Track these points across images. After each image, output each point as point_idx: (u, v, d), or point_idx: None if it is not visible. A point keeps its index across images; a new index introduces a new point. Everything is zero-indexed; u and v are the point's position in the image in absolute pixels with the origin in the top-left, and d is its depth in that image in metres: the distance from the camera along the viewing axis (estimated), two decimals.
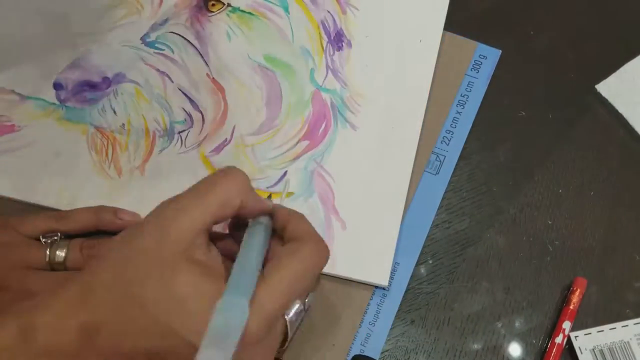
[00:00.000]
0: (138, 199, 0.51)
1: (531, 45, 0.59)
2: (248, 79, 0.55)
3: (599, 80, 0.57)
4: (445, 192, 0.53)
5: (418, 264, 0.51)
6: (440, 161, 0.54)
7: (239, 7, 0.58)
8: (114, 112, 0.54)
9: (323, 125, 0.54)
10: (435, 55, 0.56)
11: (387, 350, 0.48)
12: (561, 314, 0.49)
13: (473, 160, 0.55)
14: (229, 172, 0.40)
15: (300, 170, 0.52)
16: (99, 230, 0.50)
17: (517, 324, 0.49)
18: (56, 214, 0.49)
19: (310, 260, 0.39)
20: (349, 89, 0.55)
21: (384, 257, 0.50)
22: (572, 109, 0.57)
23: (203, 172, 0.52)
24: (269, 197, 0.51)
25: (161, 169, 0.52)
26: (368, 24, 0.58)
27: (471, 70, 0.57)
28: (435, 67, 0.56)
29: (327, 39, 0.57)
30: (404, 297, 0.50)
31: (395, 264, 0.50)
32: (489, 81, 0.57)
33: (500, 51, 0.58)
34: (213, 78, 0.55)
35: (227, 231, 0.45)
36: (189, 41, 0.56)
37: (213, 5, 0.57)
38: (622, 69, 0.57)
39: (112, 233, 0.50)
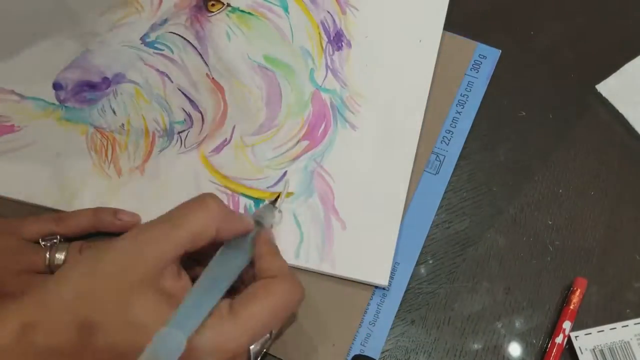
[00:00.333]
0: (138, 199, 0.51)
1: (531, 45, 0.59)
2: (248, 79, 0.55)
3: (599, 80, 0.57)
4: (445, 192, 0.53)
5: (418, 264, 0.51)
6: (440, 161, 0.54)
7: (238, 7, 0.58)
8: (114, 112, 0.54)
9: (323, 125, 0.54)
10: (435, 55, 0.56)
11: (387, 350, 0.48)
12: (561, 314, 0.49)
13: (473, 160, 0.55)
14: (203, 202, 0.40)
15: (300, 170, 0.52)
16: (98, 231, 0.50)
17: (517, 324, 0.49)
18: (55, 216, 0.49)
19: (284, 299, 0.40)
20: (348, 89, 0.55)
21: (384, 257, 0.50)
22: (572, 109, 0.56)
23: (203, 172, 0.52)
24: (276, 198, 0.50)
25: (161, 169, 0.52)
26: (368, 24, 0.58)
27: (471, 70, 0.57)
28: (435, 67, 0.56)
29: (326, 39, 0.57)
30: (404, 297, 0.50)
31: (395, 264, 0.50)
32: (488, 81, 0.57)
33: (500, 51, 0.58)
34: (213, 78, 0.55)
35: None
36: (188, 41, 0.56)
37: (213, 5, 0.57)
38: (622, 68, 0.57)
39: (112, 234, 0.50)
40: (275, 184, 0.52)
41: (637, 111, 0.56)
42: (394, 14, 0.58)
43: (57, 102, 0.54)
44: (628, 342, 0.47)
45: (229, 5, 0.58)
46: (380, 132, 0.54)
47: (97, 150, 0.53)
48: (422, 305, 0.50)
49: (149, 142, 0.53)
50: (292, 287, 0.40)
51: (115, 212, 0.50)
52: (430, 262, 0.51)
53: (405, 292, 0.50)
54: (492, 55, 0.58)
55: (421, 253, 0.51)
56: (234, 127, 0.54)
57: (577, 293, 0.49)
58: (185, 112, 0.54)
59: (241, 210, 0.51)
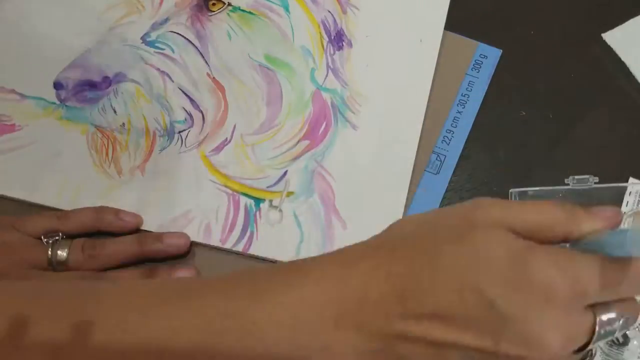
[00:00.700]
0: (138, 198, 0.51)
1: (531, 45, 0.59)
2: (248, 78, 0.55)
3: (599, 80, 0.57)
4: (445, 192, 0.53)
5: None
6: (441, 161, 0.54)
7: (239, 7, 0.58)
8: (114, 111, 0.54)
9: (323, 125, 0.54)
10: (436, 55, 0.56)
11: None
12: None
13: (473, 160, 0.55)
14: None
15: (300, 169, 0.52)
16: (99, 230, 0.50)
17: None
18: (57, 213, 0.49)
19: None
20: (349, 89, 0.55)
21: None
22: (572, 109, 0.56)
23: (203, 171, 0.52)
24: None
25: (161, 168, 0.52)
26: (369, 23, 0.58)
27: (472, 69, 0.57)
28: (436, 67, 0.56)
29: (327, 39, 0.57)
30: None
31: None
32: (489, 81, 0.57)
33: (501, 51, 0.58)
34: (213, 77, 0.55)
35: None
36: (189, 41, 0.56)
37: (214, 4, 0.57)
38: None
39: (112, 234, 0.50)
40: (276, 183, 0.52)
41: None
42: (394, 14, 0.58)
43: (57, 102, 0.54)
44: None
45: (229, 4, 0.58)
46: (381, 131, 0.54)
47: (98, 150, 0.53)
48: None
49: (149, 142, 0.53)
50: None
51: (117, 212, 0.50)
52: None
53: None
54: (493, 55, 0.58)
55: None
56: (234, 127, 0.54)
57: None
58: (186, 111, 0.54)
59: (241, 210, 0.51)
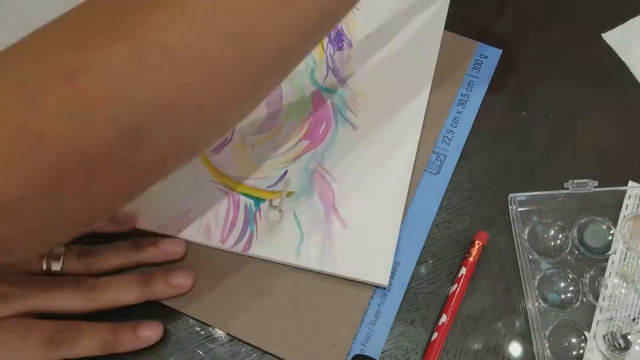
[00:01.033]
0: (138, 198, 0.51)
1: (531, 45, 0.59)
2: None
3: (599, 80, 0.58)
4: (445, 192, 0.53)
5: (418, 263, 0.51)
6: (441, 161, 0.54)
7: None
8: None
9: (323, 125, 0.54)
10: (436, 55, 0.56)
11: (387, 350, 0.49)
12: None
13: (473, 160, 0.55)
14: None
15: (300, 169, 0.52)
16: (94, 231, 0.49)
17: (517, 323, 0.49)
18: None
19: None
20: (349, 89, 0.55)
21: (384, 256, 0.50)
22: (572, 109, 0.57)
23: (203, 171, 0.52)
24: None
25: None
26: (369, 23, 0.58)
27: (472, 69, 0.57)
28: (436, 67, 0.56)
29: (327, 39, 0.57)
30: (404, 296, 0.50)
31: (395, 264, 0.50)
32: (489, 81, 0.57)
33: (501, 51, 0.58)
34: None
35: None
36: None
37: None
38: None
39: (113, 237, 0.50)
40: (276, 183, 0.52)
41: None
42: (394, 14, 0.58)
43: None
44: None
45: None
46: (381, 131, 0.54)
47: None
48: (422, 305, 0.50)
49: None
50: None
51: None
52: (431, 262, 0.51)
53: (406, 291, 0.50)
54: (493, 54, 0.58)
55: (421, 253, 0.51)
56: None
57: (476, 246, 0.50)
58: None
59: (241, 210, 0.51)
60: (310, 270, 0.50)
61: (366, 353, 0.48)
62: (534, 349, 0.48)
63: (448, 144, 0.55)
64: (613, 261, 0.50)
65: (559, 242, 0.51)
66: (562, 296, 0.49)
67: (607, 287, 0.49)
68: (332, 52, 0.57)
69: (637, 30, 0.59)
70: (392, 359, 0.48)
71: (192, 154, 0.38)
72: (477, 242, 0.50)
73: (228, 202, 0.51)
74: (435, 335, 0.48)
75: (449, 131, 0.55)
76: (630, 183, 0.53)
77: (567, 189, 0.51)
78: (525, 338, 0.49)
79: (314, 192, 0.52)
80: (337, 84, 0.55)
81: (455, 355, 0.48)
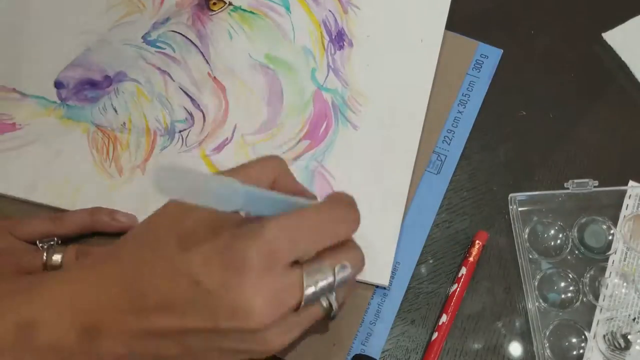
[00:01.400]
0: (139, 197, 0.51)
1: (532, 45, 0.59)
2: (249, 78, 0.55)
3: (599, 80, 0.58)
4: (445, 192, 0.53)
5: (419, 263, 0.51)
6: (442, 161, 0.54)
7: (240, 6, 0.58)
8: (115, 110, 0.54)
9: (324, 125, 0.54)
10: (437, 55, 0.56)
11: (387, 350, 0.49)
12: None
13: (473, 159, 0.55)
14: (264, 157, 0.40)
15: (301, 169, 0.52)
16: (95, 231, 0.50)
17: (517, 323, 0.49)
18: (52, 216, 0.49)
19: (330, 212, 0.37)
20: (350, 89, 0.55)
21: (384, 256, 0.50)
22: (572, 109, 0.57)
23: (203, 171, 0.52)
24: None
25: None
26: (369, 23, 0.58)
27: (473, 69, 0.57)
28: (437, 67, 0.56)
29: (328, 38, 0.57)
30: (404, 296, 0.50)
31: (396, 264, 0.50)
32: (490, 80, 0.57)
33: (502, 50, 0.58)
34: (214, 77, 0.55)
35: None
36: (190, 40, 0.56)
37: (215, 4, 0.57)
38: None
39: (107, 234, 0.50)
40: None
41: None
42: (395, 14, 0.58)
43: (58, 101, 0.54)
44: None
45: (230, 4, 0.58)
46: (382, 131, 0.54)
47: (99, 149, 0.53)
48: (422, 305, 0.50)
49: (150, 141, 0.53)
50: (342, 207, 0.38)
51: (111, 212, 0.50)
52: (431, 261, 0.51)
53: (406, 291, 0.50)
54: (493, 54, 0.58)
55: (421, 253, 0.51)
56: (235, 126, 0.54)
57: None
58: (187, 110, 0.54)
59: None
60: None
61: (366, 353, 0.48)
62: (534, 348, 0.48)
63: (449, 144, 0.55)
64: (613, 261, 0.50)
65: (559, 242, 0.51)
66: (562, 296, 0.49)
67: (607, 287, 0.49)
68: (332, 52, 0.56)
69: (637, 30, 0.59)
70: (392, 359, 0.48)
71: None
72: (477, 242, 0.50)
73: None
74: (435, 335, 0.48)
75: (449, 131, 0.55)
76: (630, 183, 0.53)
77: (567, 188, 0.51)
78: (526, 338, 0.49)
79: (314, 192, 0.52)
80: (337, 84, 0.55)
81: (455, 355, 0.48)
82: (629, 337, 0.47)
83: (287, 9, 0.58)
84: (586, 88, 0.57)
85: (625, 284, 0.49)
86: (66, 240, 0.49)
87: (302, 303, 0.36)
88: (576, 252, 0.50)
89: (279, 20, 0.57)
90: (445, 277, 0.51)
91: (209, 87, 0.55)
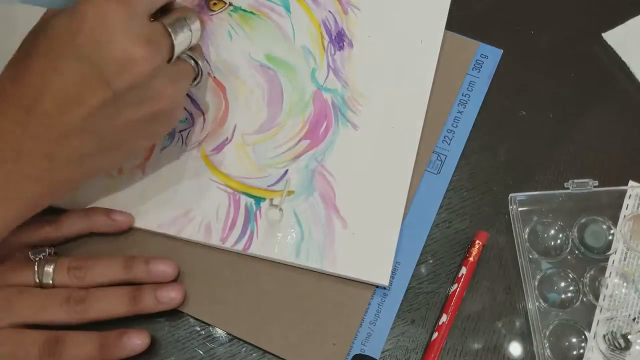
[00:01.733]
0: (139, 197, 0.51)
1: (532, 45, 0.59)
2: (249, 78, 0.55)
3: (599, 80, 0.58)
4: (445, 192, 0.53)
5: (419, 263, 0.51)
6: (442, 161, 0.54)
7: (240, 7, 0.58)
8: None
9: (324, 125, 0.54)
10: (437, 55, 0.57)
11: (387, 350, 0.49)
12: None
13: (473, 159, 0.55)
14: None
15: (301, 169, 0.52)
16: (92, 232, 0.50)
17: (517, 323, 0.49)
18: (48, 219, 0.48)
19: None
20: (350, 89, 0.55)
21: (384, 256, 0.50)
22: (572, 109, 0.57)
23: (204, 171, 0.52)
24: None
25: (162, 167, 0.52)
26: (369, 24, 0.58)
27: (473, 69, 0.57)
28: (437, 67, 0.56)
29: (328, 39, 0.57)
30: (404, 296, 0.50)
31: (396, 264, 0.50)
32: (490, 81, 0.57)
33: (502, 50, 0.58)
34: (214, 77, 0.55)
35: None
36: None
37: (215, 4, 0.57)
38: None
39: (106, 235, 0.50)
40: (277, 182, 0.52)
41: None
42: (395, 14, 0.58)
43: None
44: None
45: (230, 4, 0.58)
46: (382, 131, 0.54)
47: None
48: (422, 304, 0.50)
49: None
50: None
51: (107, 212, 0.50)
52: (431, 261, 0.51)
53: (406, 291, 0.50)
54: (493, 54, 0.58)
55: (421, 252, 0.51)
56: (235, 126, 0.54)
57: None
58: (187, 110, 0.54)
59: (242, 209, 0.51)
60: (310, 270, 0.50)
61: (366, 353, 0.48)
62: (534, 348, 0.48)
63: (449, 144, 0.55)
64: (613, 261, 0.50)
65: (559, 241, 0.51)
66: (562, 296, 0.49)
67: (607, 287, 0.49)
68: (333, 52, 0.57)
69: (637, 30, 0.59)
70: (392, 359, 0.48)
71: None
72: (477, 241, 0.50)
73: (228, 201, 0.51)
74: (435, 335, 0.48)
75: (449, 131, 0.55)
76: (630, 183, 0.53)
77: (567, 188, 0.52)
78: (526, 338, 0.49)
79: (314, 192, 0.52)
80: (337, 84, 0.55)
81: (455, 355, 0.48)
82: (629, 337, 0.47)
83: (287, 9, 0.58)
84: (586, 88, 0.57)
85: (625, 284, 0.50)
86: (64, 242, 0.49)
87: (174, 51, 0.43)
88: (576, 252, 0.51)
89: (279, 20, 0.57)
90: (445, 277, 0.51)
91: (209, 87, 0.55)
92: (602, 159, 0.55)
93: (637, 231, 0.51)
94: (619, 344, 0.47)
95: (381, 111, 0.54)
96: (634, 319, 0.49)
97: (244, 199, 0.51)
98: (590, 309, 0.49)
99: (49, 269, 0.46)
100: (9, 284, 0.46)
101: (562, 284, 0.50)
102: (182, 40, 0.43)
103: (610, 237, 0.51)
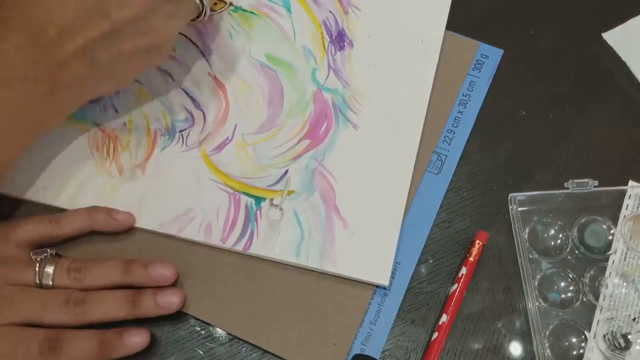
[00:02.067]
0: (139, 197, 0.51)
1: (532, 45, 0.59)
2: (250, 77, 0.55)
3: (599, 80, 0.58)
4: (445, 192, 0.53)
5: (419, 263, 0.51)
6: (442, 161, 0.54)
7: (241, 6, 0.58)
8: (116, 110, 0.54)
9: (324, 125, 0.54)
10: (437, 55, 0.57)
11: (387, 350, 0.49)
12: None
13: (473, 159, 0.55)
14: None
15: (301, 169, 0.52)
16: (93, 231, 0.50)
17: (517, 323, 0.49)
18: (50, 217, 0.49)
19: None
20: (350, 89, 0.55)
21: (385, 256, 0.50)
22: (572, 109, 0.57)
23: (204, 170, 0.52)
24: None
25: (162, 167, 0.52)
26: (370, 24, 0.58)
27: (473, 69, 0.57)
28: (437, 67, 0.56)
29: (328, 39, 0.57)
30: (404, 296, 0.50)
31: (396, 264, 0.50)
32: (490, 81, 0.57)
33: (502, 50, 0.58)
34: (215, 77, 0.55)
35: None
36: (190, 40, 0.56)
37: (215, 4, 0.57)
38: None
39: (106, 234, 0.50)
40: (277, 182, 0.52)
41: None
42: (396, 14, 0.58)
43: None
44: None
45: (231, 4, 0.58)
46: (382, 131, 0.54)
47: (99, 148, 0.53)
48: (422, 304, 0.50)
49: (150, 141, 0.53)
50: None
51: (109, 211, 0.50)
52: (431, 261, 0.51)
53: (406, 291, 0.50)
54: (494, 54, 0.58)
55: (421, 252, 0.51)
56: (235, 126, 0.54)
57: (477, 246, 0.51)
58: (187, 110, 0.54)
59: (242, 209, 0.51)
60: (310, 270, 0.50)
61: (366, 352, 0.48)
62: (534, 348, 0.48)
63: (449, 144, 0.55)
64: (613, 261, 0.50)
65: (559, 241, 0.51)
66: (562, 296, 0.49)
67: (607, 287, 0.50)
68: (333, 52, 0.57)
69: (637, 30, 0.59)
70: (393, 359, 0.48)
71: None
72: (477, 241, 0.50)
73: (229, 201, 0.51)
74: (435, 335, 0.48)
75: (450, 131, 0.55)
76: (630, 183, 0.53)
77: (567, 188, 0.52)
78: (526, 338, 0.49)
79: (314, 191, 0.52)
80: (338, 84, 0.55)
81: (455, 355, 0.49)
82: (629, 337, 0.47)
83: (288, 9, 0.58)
84: (586, 88, 0.58)
85: (625, 284, 0.50)
86: (65, 240, 0.49)
87: None
88: (576, 252, 0.51)
89: (279, 20, 0.57)
90: (445, 277, 0.51)
91: (210, 86, 0.55)
92: (602, 159, 0.55)
93: (637, 231, 0.51)
94: (619, 344, 0.47)
95: (382, 111, 0.54)
96: (634, 319, 0.49)
97: (244, 199, 0.51)
98: (590, 309, 0.49)
99: (49, 269, 0.46)
100: (10, 283, 0.46)
101: (562, 284, 0.50)
102: None
103: (610, 237, 0.51)
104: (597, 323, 0.49)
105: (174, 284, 0.49)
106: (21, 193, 0.51)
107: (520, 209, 0.52)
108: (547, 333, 0.48)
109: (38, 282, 0.46)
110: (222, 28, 0.57)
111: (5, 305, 0.44)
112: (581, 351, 0.48)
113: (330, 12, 0.58)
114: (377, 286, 0.50)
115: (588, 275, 0.50)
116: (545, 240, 0.51)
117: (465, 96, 0.56)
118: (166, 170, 0.52)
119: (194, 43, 0.56)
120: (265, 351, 0.48)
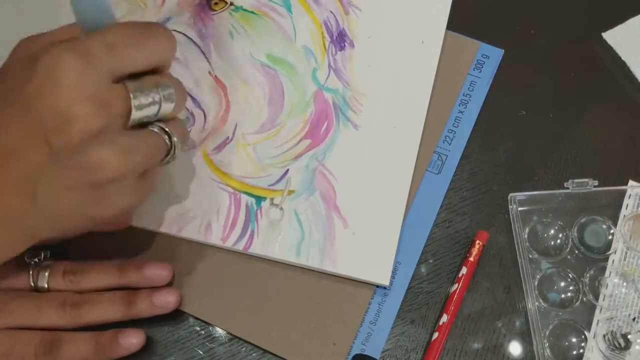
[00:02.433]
0: None
1: (532, 45, 0.59)
2: (250, 77, 0.55)
3: (599, 80, 0.58)
4: (446, 192, 0.53)
5: (419, 263, 0.51)
6: (442, 160, 0.54)
7: (241, 6, 0.58)
8: None
9: (325, 125, 0.54)
10: (438, 55, 0.57)
11: (387, 350, 0.49)
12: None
13: (474, 159, 0.55)
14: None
15: (302, 168, 0.53)
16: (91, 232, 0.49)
17: (517, 323, 0.49)
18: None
19: (145, 26, 0.39)
20: (351, 89, 0.55)
21: (385, 256, 0.50)
22: (572, 109, 0.57)
23: (205, 170, 0.52)
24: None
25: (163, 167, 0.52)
26: (371, 24, 0.58)
27: (474, 69, 0.57)
28: (438, 67, 0.56)
29: (329, 39, 0.57)
30: (404, 296, 0.50)
31: (396, 263, 0.50)
32: (491, 81, 0.57)
33: (503, 50, 0.58)
34: (215, 76, 0.55)
35: None
36: (191, 39, 0.56)
37: (216, 3, 0.57)
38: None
39: (103, 234, 0.49)
40: (277, 182, 0.52)
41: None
42: (396, 14, 0.58)
43: None
44: None
45: (232, 4, 0.58)
46: (383, 131, 0.54)
47: None
48: (422, 304, 0.50)
49: None
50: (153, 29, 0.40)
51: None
52: (431, 261, 0.51)
53: (406, 291, 0.50)
54: (495, 54, 0.58)
55: (422, 252, 0.51)
56: (236, 126, 0.54)
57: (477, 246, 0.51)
58: (188, 110, 0.54)
59: (242, 209, 0.51)
60: (310, 269, 0.50)
61: (367, 352, 0.48)
62: (534, 348, 0.48)
63: (450, 144, 0.55)
64: (613, 261, 0.50)
65: (559, 241, 0.51)
66: (562, 296, 0.50)
67: (607, 287, 0.50)
68: (334, 52, 0.57)
69: (637, 29, 0.59)
70: (393, 359, 0.48)
71: None
72: (477, 241, 0.51)
73: (229, 200, 0.51)
74: (435, 335, 0.48)
75: (450, 131, 0.55)
76: (630, 182, 0.53)
77: (567, 188, 0.52)
78: (525, 338, 0.49)
79: (315, 191, 0.52)
80: (339, 84, 0.55)
81: (455, 355, 0.49)
82: (629, 336, 0.48)
83: (288, 9, 0.58)
84: (586, 88, 0.58)
85: (625, 284, 0.50)
86: (63, 241, 0.49)
87: (132, 115, 0.37)
88: (576, 251, 0.51)
89: (280, 20, 0.57)
90: (445, 277, 0.51)
91: (210, 86, 0.55)
92: (602, 159, 0.55)
93: (637, 231, 0.51)
94: (619, 343, 0.47)
95: (382, 111, 0.54)
96: (634, 319, 0.49)
97: (244, 199, 0.52)
98: (590, 308, 0.49)
99: (44, 272, 0.46)
100: (4, 287, 0.46)
101: (562, 284, 0.50)
102: (142, 104, 0.38)
103: (610, 237, 0.51)
104: (597, 323, 0.49)
105: (171, 283, 0.48)
106: None
107: (520, 208, 0.52)
108: (547, 333, 0.48)
109: (32, 285, 0.46)
110: (222, 28, 0.57)
111: (0, 309, 0.44)
112: (581, 351, 0.48)
113: (331, 12, 0.58)
114: (378, 286, 0.50)
115: (588, 275, 0.50)
116: (545, 240, 0.51)
117: (466, 96, 0.56)
118: (166, 169, 0.52)
119: (194, 42, 0.56)
120: (265, 351, 0.48)
